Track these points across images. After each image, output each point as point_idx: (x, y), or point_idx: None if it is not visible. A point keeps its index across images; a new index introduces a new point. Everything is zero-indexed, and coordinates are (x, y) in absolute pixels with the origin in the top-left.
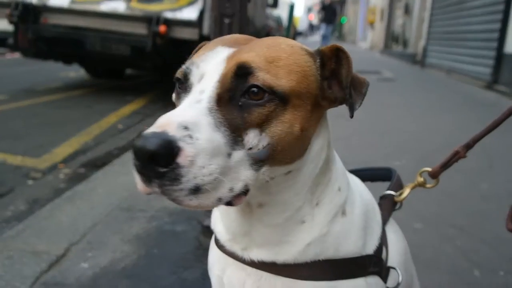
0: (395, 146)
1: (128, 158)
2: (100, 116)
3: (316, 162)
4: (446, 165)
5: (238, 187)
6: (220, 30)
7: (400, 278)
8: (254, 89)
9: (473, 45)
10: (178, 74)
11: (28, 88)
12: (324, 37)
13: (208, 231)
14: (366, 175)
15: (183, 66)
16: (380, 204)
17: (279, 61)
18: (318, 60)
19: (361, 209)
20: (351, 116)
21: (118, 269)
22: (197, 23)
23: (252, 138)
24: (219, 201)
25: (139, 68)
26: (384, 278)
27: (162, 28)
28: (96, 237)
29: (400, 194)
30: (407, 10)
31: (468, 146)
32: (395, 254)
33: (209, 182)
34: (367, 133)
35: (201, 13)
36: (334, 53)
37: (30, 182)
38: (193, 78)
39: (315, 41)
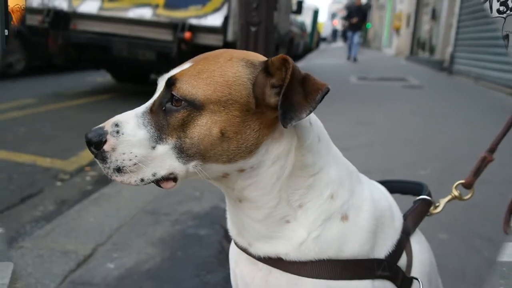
0: (420, 154)
1: None
2: None
3: (280, 164)
4: (477, 173)
5: (162, 173)
6: (246, 38)
7: None
8: (175, 97)
9: (503, 51)
10: None
11: (57, 92)
12: (355, 45)
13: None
14: (397, 187)
15: None
16: (405, 216)
17: (204, 73)
18: (258, 71)
19: (370, 214)
20: (284, 126)
21: (143, 270)
22: (222, 30)
23: (176, 136)
24: (142, 181)
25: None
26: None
27: (187, 35)
28: (122, 238)
29: (435, 208)
30: (434, 16)
31: (492, 149)
32: (419, 264)
33: (129, 166)
34: (391, 140)
35: (226, 20)
36: (282, 63)
37: (58, 183)
38: (157, 88)
39: (337, 47)
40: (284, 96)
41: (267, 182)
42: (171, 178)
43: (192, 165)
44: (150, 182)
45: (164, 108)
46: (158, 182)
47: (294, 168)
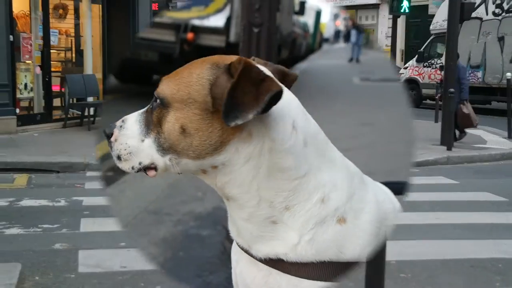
0: None
1: None
2: None
3: (253, 164)
4: None
5: (145, 162)
6: (248, 39)
7: None
8: (155, 96)
9: None
10: None
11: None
12: (358, 46)
13: None
14: (401, 188)
15: None
16: None
17: (178, 74)
18: (220, 72)
19: (372, 217)
20: (227, 124)
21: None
22: (224, 31)
23: (156, 131)
24: (133, 168)
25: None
26: None
27: (189, 35)
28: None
29: None
30: None
31: None
32: None
33: (124, 154)
34: (393, 141)
35: (228, 21)
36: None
37: None
38: None
39: (340, 48)
40: (230, 95)
41: (243, 180)
42: (153, 167)
43: (168, 158)
44: (138, 170)
45: (151, 106)
46: (145, 170)
47: (271, 169)
